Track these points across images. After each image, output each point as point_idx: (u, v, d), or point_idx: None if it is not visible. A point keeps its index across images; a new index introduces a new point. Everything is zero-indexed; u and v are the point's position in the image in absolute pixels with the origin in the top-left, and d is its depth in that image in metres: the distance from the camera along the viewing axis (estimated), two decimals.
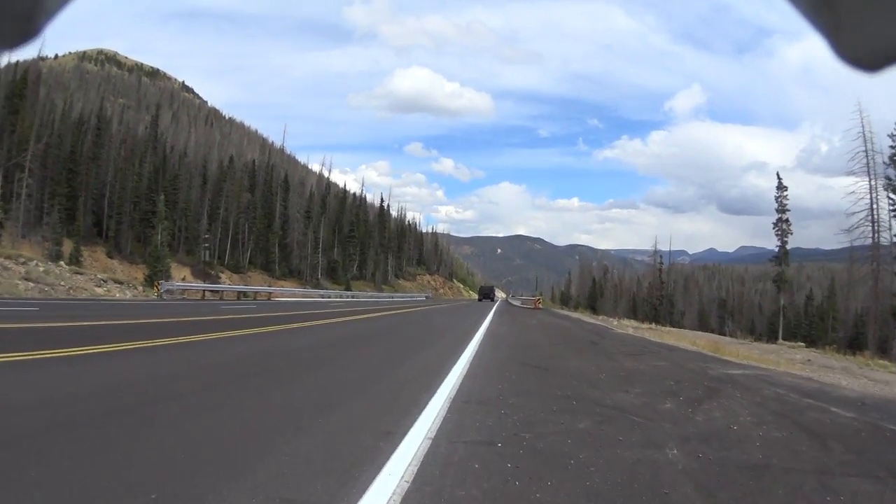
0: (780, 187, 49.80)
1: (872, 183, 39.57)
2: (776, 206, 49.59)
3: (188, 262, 62.91)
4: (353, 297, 64.94)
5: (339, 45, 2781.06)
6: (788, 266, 50.82)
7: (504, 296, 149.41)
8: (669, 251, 78.64)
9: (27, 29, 0.53)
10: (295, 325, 15.32)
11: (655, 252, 75.16)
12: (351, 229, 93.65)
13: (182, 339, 10.20)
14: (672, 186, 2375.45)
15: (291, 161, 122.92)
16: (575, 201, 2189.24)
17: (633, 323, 35.24)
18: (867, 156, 40.02)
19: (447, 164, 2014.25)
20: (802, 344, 33.40)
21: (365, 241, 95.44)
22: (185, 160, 76.61)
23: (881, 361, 25.34)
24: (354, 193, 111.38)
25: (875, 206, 39.40)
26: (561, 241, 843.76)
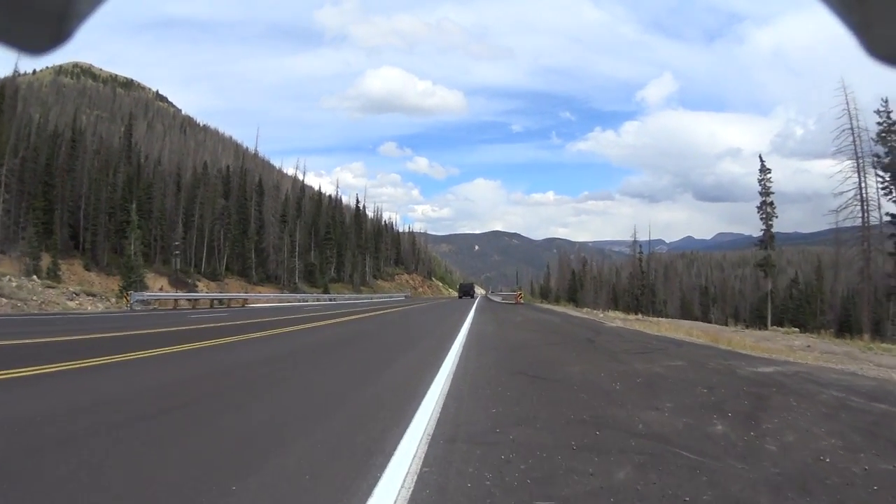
0: (763, 170, 48.76)
1: (860, 162, 38.72)
2: (760, 189, 48.55)
3: (165, 271, 61.52)
4: (331, 299, 63.33)
5: (310, 48, 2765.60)
6: (774, 250, 49.86)
7: (483, 292, 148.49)
8: (649, 240, 78.01)
9: (59, 32, 0.53)
10: (259, 335, 13.47)
11: (634, 242, 74.39)
12: (327, 231, 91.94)
13: (122, 357, 8.49)
14: (647, 176, 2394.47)
15: (266, 165, 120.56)
16: (550, 195, 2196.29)
17: (619, 314, 33.88)
18: (853, 133, 39.12)
19: (422, 163, 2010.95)
20: (796, 329, 32.26)
21: (342, 242, 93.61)
22: (160, 169, 75.41)
23: (884, 345, 24.34)
24: (330, 196, 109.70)
25: (863, 184, 38.50)
26: (538, 235, 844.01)
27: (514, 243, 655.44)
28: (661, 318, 33.18)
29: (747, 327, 33.35)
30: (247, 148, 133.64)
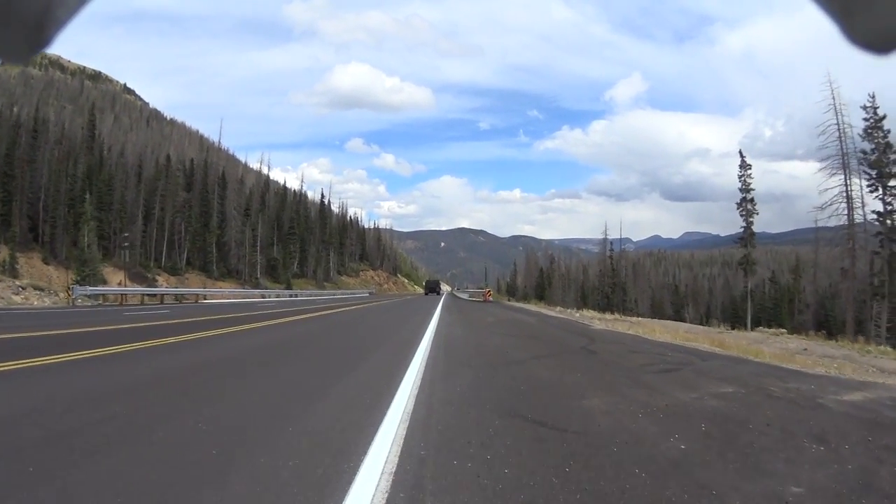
0: (744, 166, 47.08)
1: (845, 159, 37.18)
2: (740, 185, 46.84)
3: (124, 265, 57.99)
4: (291, 296, 61.23)
5: (279, 44, 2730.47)
6: (755, 248, 48.24)
7: (449, 289, 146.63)
8: (620, 238, 76.48)
9: (37, 39, 0.53)
10: (189, 337, 10.90)
11: (605, 240, 72.80)
12: (291, 226, 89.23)
13: None
14: (614, 175, 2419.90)
15: (231, 160, 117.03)
16: (517, 192, 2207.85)
17: (595, 314, 31.55)
18: (839, 129, 37.52)
19: (388, 160, 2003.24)
20: (783, 330, 30.40)
21: (305, 237, 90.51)
22: (123, 161, 72.63)
23: (881, 348, 22.52)
24: (295, 191, 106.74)
25: (848, 181, 37.00)
26: (504, 232, 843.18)
27: (481, 240, 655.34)
28: (639, 318, 30.99)
29: (733, 328, 31.47)
30: (214, 142, 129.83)
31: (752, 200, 46.79)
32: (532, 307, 36.72)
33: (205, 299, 44.65)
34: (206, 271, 70.88)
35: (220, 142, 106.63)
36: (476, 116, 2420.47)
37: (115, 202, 61.85)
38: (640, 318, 30.55)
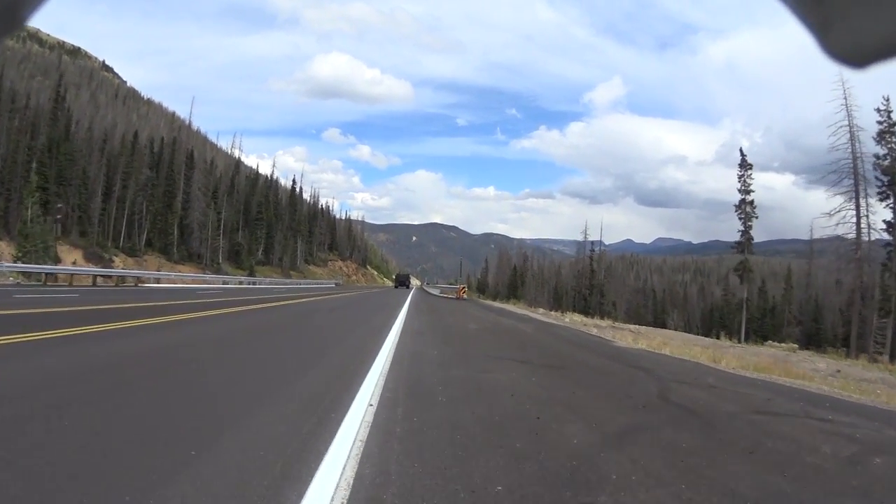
0: (744, 165, 43.40)
1: (857, 163, 33.64)
2: (739, 186, 43.15)
3: (82, 244, 54.63)
4: (253, 283, 57.00)
5: (261, 30, 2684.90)
6: (753, 254, 44.49)
7: (419, 283, 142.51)
8: (600, 240, 72.98)
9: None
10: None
11: (584, 241, 69.21)
12: (259, 211, 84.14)
13: None
14: (589, 177, 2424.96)
15: (204, 141, 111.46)
16: (491, 190, 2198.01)
17: (582, 318, 27.43)
18: (850, 131, 33.95)
19: (364, 151, 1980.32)
20: (794, 345, 26.65)
21: (273, 223, 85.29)
22: (90, 136, 67.02)
23: None
24: (267, 176, 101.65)
25: (858, 187, 33.45)
26: (476, 229, 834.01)
27: (452, 236, 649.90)
28: (637, 326, 26.87)
29: (738, 341, 27.75)
30: (189, 124, 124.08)
31: (751, 203, 43.16)
32: (513, 308, 32.33)
33: (157, 282, 40.35)
34: (167, 253, 65.84)
35: (190, 120, 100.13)
36: (454, 112, 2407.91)
37: (74, 177, 57.09)
38: (638, 326, 26.53)
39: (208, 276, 53.42)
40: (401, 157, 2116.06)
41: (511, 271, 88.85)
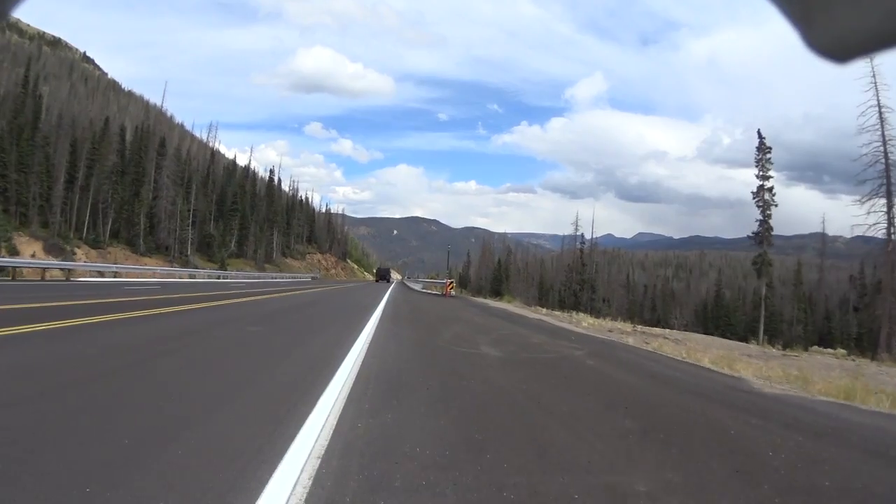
0: (763, 148, 39.05)
1: (886, 147, 29.78)
2: (757, 172, 38.96)
3: (42, 235, 50.55)
4: (220, 277, 52.81)
5: (244, 24, 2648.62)
6: (772, 246, 39.94)
7: (399, 277, 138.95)
8: (592, 234, 68.87)
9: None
10: None
11: (575, 234, 65.21)
12: (234, 201, 79.33)
13: None
14: (570, 172, 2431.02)
15: (183, 132, 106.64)
16: (472, 184, 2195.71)
17: (591, 319, 23.04)
18: (879, 112, 30.01)
19: (346, 145, 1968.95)
20: (842, 350, 22.80)
21: (247, 214, 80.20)
22: (59, 123, 61.90)
23: None
24: (245, 166, 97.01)
25: (889, 172, 29.53)
26: (458, 223, 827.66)
27: (433, 230, 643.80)
28: (657, 329, 22.36)
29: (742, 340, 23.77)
30: (163, 110, 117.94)
31: (770, 189, 38.85)
32: (511, 307, 27.84)
33: (115, 276, 36.12)
34: (133, 245, 61.21)
35: (163, 106, 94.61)
36: (436, 107, 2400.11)
37: (35, 164, 52.72)
38: (662, 330, 22.42)
39: (163, 270, 48.46)
40: (382, 152, 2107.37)
41: (495, 265, 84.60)
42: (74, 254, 51.89)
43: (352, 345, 8.38)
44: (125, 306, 12.74)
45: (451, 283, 37.20)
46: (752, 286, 76.57)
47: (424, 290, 44.89)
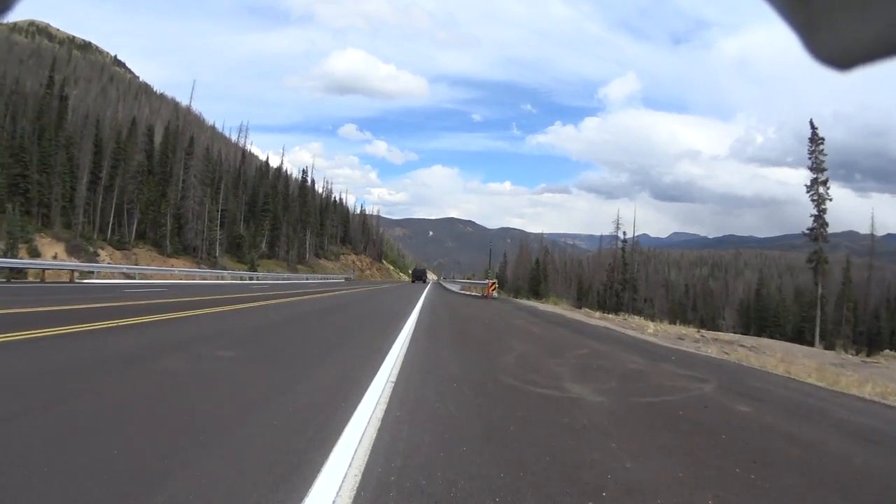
0: (815, 140, 35.31)
1: None
2: (810, 163, 35.17)
3: (65, 236, 49.27)
4: (249, 278, 50.45)
5: (276, 27, 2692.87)
6: (828, 242, 36.26)
7: (435, 278, 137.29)
8: (633, 234, 65.04)
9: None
10: None
11: (622, 235, 61.48)
12: (265, 202, 76.79)
13: None
14: (605, 172, 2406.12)
15: (214, 133, 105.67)
16: (507, 185, 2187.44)
17: (663, 327, 19.73)
18: None
19: (381, 147, 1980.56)
20: None
21: (279, 215, 77.75)
22: (84, 123, 59.77)
23: None
24: (278, 167, 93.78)
25: None
26: (493, 224, 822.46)
27: (469, 231, 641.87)
28: (725, 335, 18.98)
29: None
30: (190, 109, 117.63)
31: (825, 182, 35.08)
32: (560, 310, 24.25)
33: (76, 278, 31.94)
34: (160, 246, 58.91)
35: (190, 104, 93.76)
36: (469, 108, 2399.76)
37: (57, 164, 51.29)
38: (732, 335, 19.06)
39: (211, 272, 46.63)
40: (417, 153, 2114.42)
41: (533, 266, 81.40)
42: (98, 255, 50.39)
43: (365, 390, 5.06)
44: (87, 315, 9.90)
45: (494, 283, 33.10)
46: (794, 284, 72.13)
47: (462, 292, 41.83)
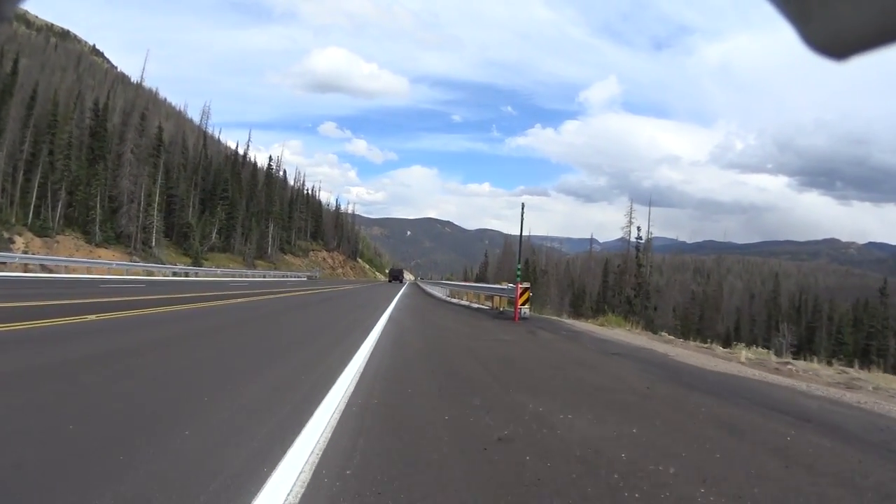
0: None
1: None
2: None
3: None
4: (186, 274, 40.95)
5: (258, 23, 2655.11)
6: None
7: (412, 278, 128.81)
8: (649, 233, 55.54)
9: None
10: None
11: (629, 230, 52.06)
12: (224, 189, 66.30)
13: None
14: (584, 176, 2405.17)
15: (177, 115, 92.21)
16: (486, 186, 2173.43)
17: (753, 353, 8.93)
18: None
19: (360, 146, 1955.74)
20: None
21: (237, 203, 67.07)
22: (32, 103, 49.21)
23: None
24: (244, 154, 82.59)
25: None
26: (471, 225, 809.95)
27: (447, 231, 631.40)
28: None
29: None
30: (158, 95, 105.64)
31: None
32: (642, 341, 14.09)
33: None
34: (88, 234, 48.83)
35: (141, 79, 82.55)
36: (450, 108, 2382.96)
37: None
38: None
39: (142, 265, 35.36)
40: (397, 153, 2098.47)
41: (522, 267, 71.17)
42: (13, 243, 41.23)
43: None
44: None
45: (527, 291, 15.98)
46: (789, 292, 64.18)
47: (451, 300, 28.35)
